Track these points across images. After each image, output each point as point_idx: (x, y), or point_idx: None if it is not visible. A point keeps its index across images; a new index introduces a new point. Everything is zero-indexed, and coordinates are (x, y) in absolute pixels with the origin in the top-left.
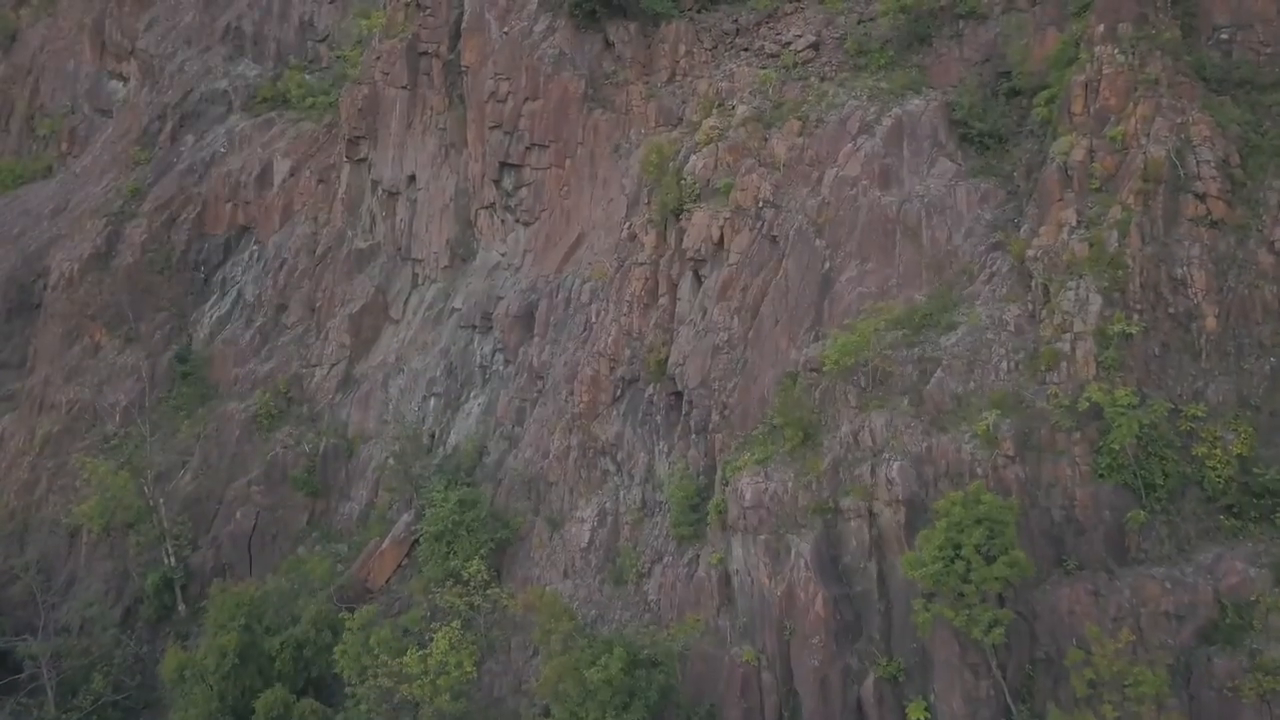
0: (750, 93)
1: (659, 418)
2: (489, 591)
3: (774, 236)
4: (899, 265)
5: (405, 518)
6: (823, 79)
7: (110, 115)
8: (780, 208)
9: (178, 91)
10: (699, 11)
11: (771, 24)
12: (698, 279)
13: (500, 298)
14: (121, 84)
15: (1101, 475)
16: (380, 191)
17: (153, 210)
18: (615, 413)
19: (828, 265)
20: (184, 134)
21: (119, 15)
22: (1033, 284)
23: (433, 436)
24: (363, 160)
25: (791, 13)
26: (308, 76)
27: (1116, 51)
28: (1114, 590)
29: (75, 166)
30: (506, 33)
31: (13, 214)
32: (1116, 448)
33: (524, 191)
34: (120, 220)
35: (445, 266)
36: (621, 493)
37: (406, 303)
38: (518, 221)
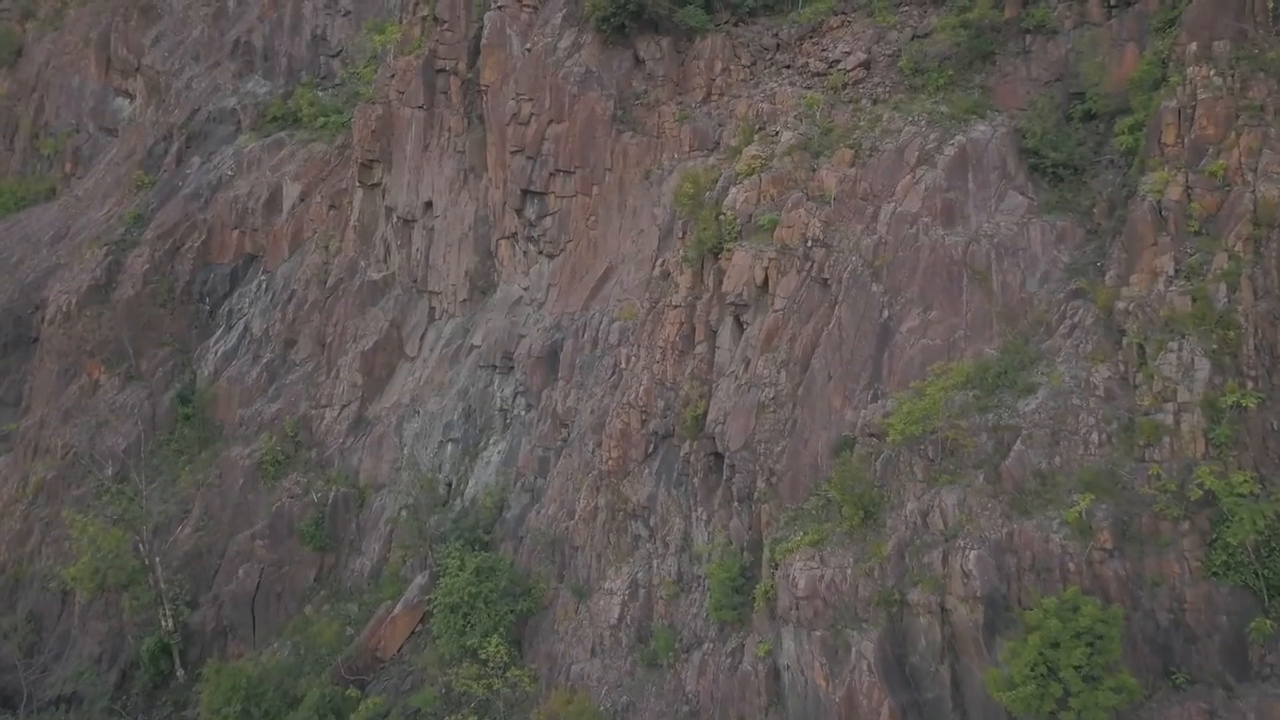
0: (795, 116)
1: (696, 480)
2: (509, 674)
3: (825, 280)
4: (966, 314)
5: (419, 580)
6: (875, 101)
7: (116, 134)
8: (831, 247)
9: (184, 110)
10: (736, 25)
11: (816, 39)
12: (739, 325)
13: (522, 335)
14: (127, 101)
15: (1216, 574)
16: (395, 219)
17: (155, 238)
18: (647, 471)
19: (886, 313)
20: (190, 155)
21: (125, 30)
22: (1124, 341)
23: (449, 486)
24: (376, 185)
25: (838, 26)
26: (319, 94)
27: (1212, 73)
28: (1234, 711)
29: (78, 189)
30: (529, 49)
31: (12, 240)
32: (1234, 542)
33: (548, 221)
34: (122, 249)
35: (464, 300)
36: (655, 562)
37: (422, 339)
38: (541, 253)
